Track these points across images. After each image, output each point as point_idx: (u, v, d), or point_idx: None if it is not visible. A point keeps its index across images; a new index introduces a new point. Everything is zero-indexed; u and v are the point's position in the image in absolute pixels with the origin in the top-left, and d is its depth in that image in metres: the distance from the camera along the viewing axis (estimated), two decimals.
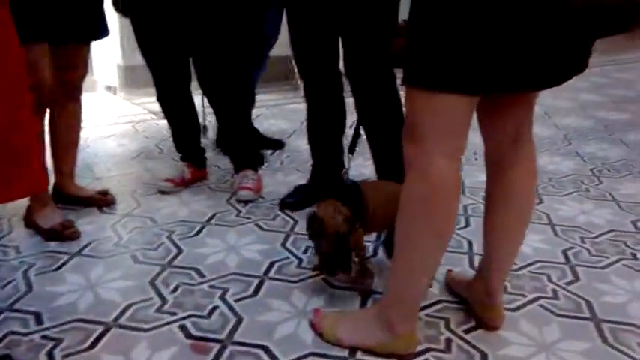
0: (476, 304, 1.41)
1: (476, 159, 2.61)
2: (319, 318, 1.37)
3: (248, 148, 2.22)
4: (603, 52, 6.15)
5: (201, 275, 1.62)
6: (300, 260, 1.70)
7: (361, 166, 2.49)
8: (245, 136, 2.20)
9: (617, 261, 1.73)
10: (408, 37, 1.05)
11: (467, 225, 1.96)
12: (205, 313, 1.44)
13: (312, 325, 1.37)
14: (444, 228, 1.15)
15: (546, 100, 3.91)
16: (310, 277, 1.61)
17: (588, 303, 1.51)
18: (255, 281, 1.59)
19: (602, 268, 1.69)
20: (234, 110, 2.14)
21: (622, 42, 7.00)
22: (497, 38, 0.96)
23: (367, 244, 1.78)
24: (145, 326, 1.38)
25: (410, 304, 1.25)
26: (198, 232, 1.88)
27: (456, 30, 0.97)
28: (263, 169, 2.44)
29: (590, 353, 1.31)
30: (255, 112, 3.40)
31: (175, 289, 1.55)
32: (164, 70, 2.07)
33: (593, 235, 1.90)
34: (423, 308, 1.46)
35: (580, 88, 4.39)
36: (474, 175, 2.37)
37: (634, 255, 1.77)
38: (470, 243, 1.82)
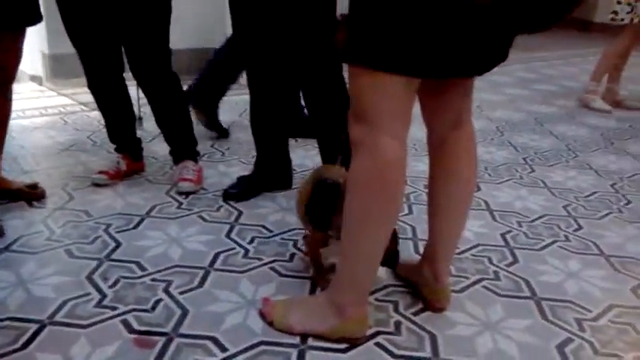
0: (423, 287, 1.43)
1: (415, 149, 2.66)
2: (269, 306, 1.35)
3: (187, 138, 2.15)
4: (530, 49, 6.45)
5: (143, 269, 1.55)
6: (247, 250, 1.67)
7: (304, 157, 2.48)
8: (183, 126, 2.12)
9: (552, 243, 1.81)
10: (350, 16, 1.06)
11: (410, 212, 1.99)
12: (148, 306, 1.38)
13: (262, 315, 1.35)
14: (393, 207, 1.16)
15: (479, 94, 4.06)
16: (258, 266, 1.58)
17: (527, 283, 1.57)
18: (201, 273, 1.54)
19: (539, 249, 1.77)
20: (169, 99, 2.05)
21: (547, 40, 7.37)
22: (431, 26, 0.99)
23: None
24: (84, 322, 1.31)
25: (361, 288, 1.25)
26: (137, 225, 1.80)
27: (395, 14, 1.00)
28: (204, 161, 2.37)
29: (532, 329, 1.37)
30: None
31: (115, 283, 1.47)
32: (94, 58, 1.96)
33: (529, 220, 1.98)
34: (372, 293, 1.47)
35: (509, 83, 4.58)
36: (414, 165, 2.41)
37: (567, 237, 1.86)
38: (414, 229, 1.85)
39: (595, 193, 2.27)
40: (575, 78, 4.97)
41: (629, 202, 2.19)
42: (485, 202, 2.10)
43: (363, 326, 1.28)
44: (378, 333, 1.32)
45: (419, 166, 2.43)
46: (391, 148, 1.10)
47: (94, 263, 1.56)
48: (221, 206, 1.96)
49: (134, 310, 1.36)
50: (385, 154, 1.10)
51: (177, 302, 1.40)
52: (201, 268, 1.56)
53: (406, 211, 1.99)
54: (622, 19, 3.50)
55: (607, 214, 2.06)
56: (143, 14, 1.86)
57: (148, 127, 2.50)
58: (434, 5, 0.98)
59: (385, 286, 1.51)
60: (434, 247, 1.38)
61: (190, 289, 1.46)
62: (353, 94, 1.12)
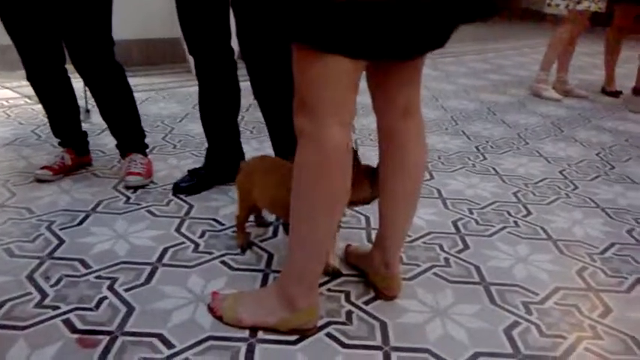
0: (374, 275, 1.43)
1: (371, 139, 2.67)
2: (218, 301, 1.32)
3: (134, 130, 2.08)
4: (484, 40, 6.57)
5: (87, 266, 1.49)
6: (197, 245, 1.63)
7: (258, 149, 2.45)
8: (129, 119, 2.05)
9: (501, 229, 1.84)
10: None
11: None
12: (92, 305, 1.33)
13: (211, 309, 1.32)
14: (339, 195, 1.15)
15: (434, 83, 4.10)
16: (208, 260, 1.55)
17: (477, 268, 1.59)
18: (148, 269, 1.49)
19: (489, 236, 1.79)
20: (113, 91, 1.98)
21: (501, 30, 7.51)
22: (370, 8, 0.97)
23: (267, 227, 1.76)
24: (23, 324, 1.25)
25: (310, 278, 1.23)
26: (82, 221, 1.73)
27: None
28: (154, 154, 2.32)
29: (481, 314, 1.38)
30: (144, 95, 3.26)
31: (57, 282, 1.41)
32: (32, 49, 1.87)
33: (479, 207, 2.00)
34: (323, 283, 1.46)
35: (464, 73, 4.65)
36: (370, 155, 2.41)
37: (516, 223, 1.89)
38: (367, 219, 1.85)
39: (544, 179, 2.32)
40: (526, 67, 5.08)
41: (576, 187, 2.25)
42: (438, 190, 2.12)
43: (313, 317, 1.26)
44: (329, 323, 1.31)
45: (373, 157, 2.43)
46: (335, 135, 1.08)
47: (35, 262, 1.49)
48: (171, 200, 1.91)
49: (77, 309, 1.31)
50: (329, 142, 1.08)
51: (122, 300, 1.35)
52: (148, 264, 1.52)
53: None
54: (557, 5, 3.61)
55: (555, 200, 2.11)
56: (82, 3, 1.79)
57: (96, 120, 2.43)
58: None
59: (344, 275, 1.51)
60: (384, 235, 1.38)
61: (136, 286, 1.41)
62: (296, 82, 1.10)
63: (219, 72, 1.86)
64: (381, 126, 1.30)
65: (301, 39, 1.05)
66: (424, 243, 1.72)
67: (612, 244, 1.78)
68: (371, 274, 1.45)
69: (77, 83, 2.05)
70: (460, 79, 4.38)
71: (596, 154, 2.70)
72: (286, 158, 1.57)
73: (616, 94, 4.09)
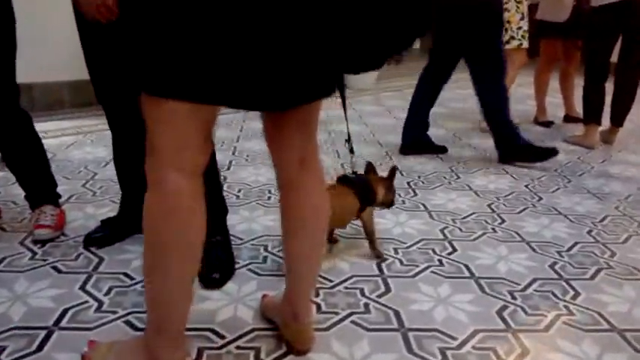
0: (284, 327, 1.36)
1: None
2: (92, 350, 1.24)
3: (42, 180, 1.97)
4: None
5: None
6: (101, 303, 1.52)
7: None
8: (37, 168, 1.94)
9: (425, 268, 1.81)
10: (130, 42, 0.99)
11: None
12: None
13: (83, 358, 1.24)
14: (184, 242, 1.06)
15: (373, 119, 4.13)
16: (111, 321, 1.45)
17: (397, 313, 1.54)
18: (42, 334, 1.38)
19: (412, 276, 1.76)
20: (18, 140, 1.88)
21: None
22: (205, 50, 0.93)
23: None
24: None
25: (171, 330, 1.15)
26: None
27: (165, 34, 0.93)
28: (72, 202, 2.20)
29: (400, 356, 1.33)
30: (71, 139, 3.14)
31: None
32: None
33: (405, 246, 1.98)
34: (233, 340, 1.38)
35: (404, 107, 4.71)
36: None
37: (440, 261, 1.87)
38: None
39: (472, 214, 2.32)
40: (466, 100, 5.20)
41: (503, 221, 2.26)
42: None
43: None
44: None
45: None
46: (182, 186, 1.02)
47: None
48: (81, 254, 1.80)
49: None
50: (174, 194, 1.02)
51: None
52: (43, 328, 1.40)
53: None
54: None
55: (481, 235, 2.11)
56: None
57: None
58: (205, 29, 0.91)
59: (250, 331, 1.43)
60: (290, 288, 1.32)
61: (26, 355, 1.30)
62: (146, 127, 1.05)
63: (130, 119, 1.78)
64: (278, 176, 1.25)
65: (138, 84, 1.00)
66: (345, 288, 1.67)
67: (534, 280, 1.78)
68: (282, 327, 1.38)
69: None
70: (401, 113, 4.42)
71: (525, 186, 2.73)
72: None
73: (548, 124, 4.21)
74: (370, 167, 1.95)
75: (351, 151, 1.73)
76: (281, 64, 0.96)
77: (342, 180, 1.82)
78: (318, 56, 0.98)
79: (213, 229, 1.79)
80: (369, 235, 1.86)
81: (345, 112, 1.46)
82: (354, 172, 1.82)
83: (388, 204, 1.93)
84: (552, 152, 3.02)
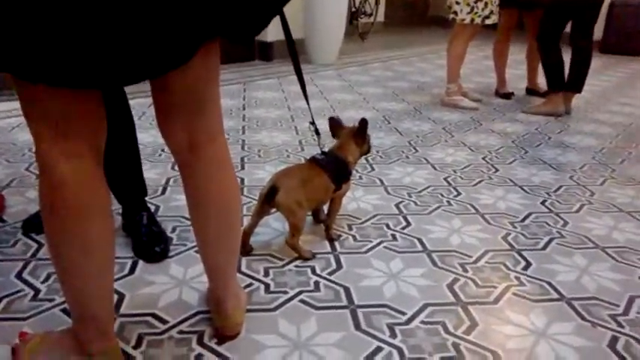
0: (212, 313, 1.33)
1: (260, 156, 2.57)
2: (23, 342, 1.17)
3: None
4: (390, 47, 6.67)
5: None
6: (38, 291, 1.45)
7: None
8: None
9: (378, 244, 1.79)
10: None
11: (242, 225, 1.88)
12: None
13: (13, 350, 1.17)
14: (77, 230, 0.98)
15: (334, 94, 4.07)
16: (46, 309, 1.38)
17: (347, 290, 1.52)
18: None
19: (364, 252, 1.73)
20: None
21: (407, 37, 7.68)
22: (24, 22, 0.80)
23: None
24: None
25: (96, 322, 1.09)
26: None
27: None
28: (13, 187, 2.10)
29: (342, 343, 1.30)
30: (16, 121, 2.99)
31: None
32: None
33: (359, 222, 1.95)
34: (176, 325, 1.34)
35: (365, 82, 4.66)
36: (254, 173, 2.31)
37: (394, 236, 1.85)
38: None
39: (428, 187, 2.31)
40: (428, 73, 5.18)
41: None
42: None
43: None
44: None
45: (259, 173, 2.33)
46: (67, 172, 0.95)
47: None
48: (19, 240, 1.72)
49: None
50: (59, 181, 0.95)
51: None
52: None
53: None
54: (463, 20, 3.66)
55: (436, 208, 2.09)
56: None
57: None
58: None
59: (195, 314, 1.39)
60: (207, 273, 1.27)
61: None
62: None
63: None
64: (175, 158, 1.15)
65: None
66: (296, 267, 1.63)
67: (486, 252, 1.77)
68: (211, 313, 1.34)
69: None
70: (362, 88, 4.38)
71: (482, 158, 2.73)
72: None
73: (508, 95, 4.22)
74: (334, 122, 1.89)
75: (317, 132, 1.68)
76: (119, 36, 0.83)
77: (313, 161, 1.73)
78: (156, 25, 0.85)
79: (135, 208, 1.75)
80: (331, 215, 1.81)
81: (305, 90, 1.40)
82: (323, 152, 1.76)
83: (365, 153, 1.94)
84: None
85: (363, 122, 1.83)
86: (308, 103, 1.55)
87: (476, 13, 3.62)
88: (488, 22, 3.66)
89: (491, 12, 3.63)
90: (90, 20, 0.80)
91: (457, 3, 3.64)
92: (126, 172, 1.69)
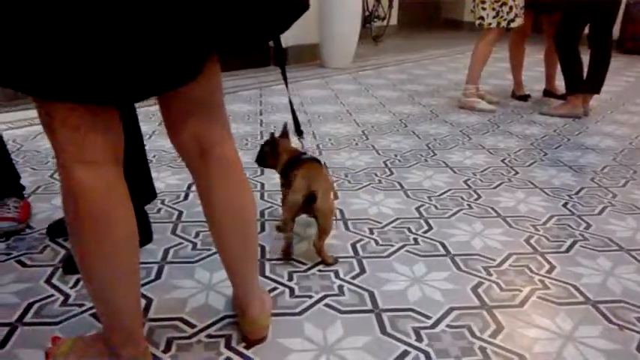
0: (239, 318, 1.34)
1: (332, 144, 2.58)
2: (55, 346, 1.20)
3: (4, 173, 1.90)
4: (405, 51, 6.67)
5: None
6: (67, 297, 1.48)
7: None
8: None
9: (400, 248, 1.79)
10: None
11: (262, 230, 1.90)
12: None
13: (47, 355, 1.20)
14: (103, 245, 1.00)
15: (350, 98, 4.08)
16: (77, 314, 1.40)
17: (371, 294, 1.52)
18: (5, 330, 1.33)
19: (387, 256, 1.74)
20: None
21: (421, 41, 7.67)
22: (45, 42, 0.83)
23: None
24: None
25: (125, 328, 1.11)
26: None
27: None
28: (38, 194, 2.14)
29: (369, 347, 1.31)
30: (38, 129, 3.04)
31: None
32: None
33: (380, 226, 1.95)
34: (204, 329, 1.35)
35: (381, 85, 4.66)
36: (273, 177, 2.33)
37: (416, 240, 1.85)
38: (263, 249, 1.75)
39: (448, 190, 2.31)
40: (442, 76, 5.17)
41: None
42: (341, 211, 2.05)
43: None
44: None
45: (278, 178, 2.35)
46: (88, 181, 0.97)
47: None
48: (47, 246, 1.75)
49: None
50: (81, 192, 0.97)
51: None
52: (6, 324, 1.36)
53: (258, 229, 1.88)
54: (489, 24, 3.66)
55: (457, 212, 2.09)
56: None
57: None
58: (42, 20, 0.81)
59: (222, 318, 1.40)
60: (231, 280, 1.28)
61: None
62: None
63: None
64: (188, 168, 1.18)
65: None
66: (319, 271, 1.64)
67: (509, 255, 1.77)
68: (238, 318, 1.35)
69: None
70: (378, 91, 4.39)
71: (502, 161, 2.73)
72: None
73: (525, 97, 4.20)
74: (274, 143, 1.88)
75: (300, 133, 1.59)
76: (131, 53, 0.86)
77: (318, 162, 1.73)
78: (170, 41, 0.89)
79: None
80: (323, 234, 1.66)
81: (288, 88, 1.38)
82: (304, 154, 1.75)
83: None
84: None
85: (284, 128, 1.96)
86: (293, 111, 1.53)
87: (501, 17, 3.63)
88: (513, 25, 3.66)
89: (516, 15, 3.63)
90: (103, 38, 0.83)
91: (483, 9, 3.65)
92: (134, 178, 1.71)
